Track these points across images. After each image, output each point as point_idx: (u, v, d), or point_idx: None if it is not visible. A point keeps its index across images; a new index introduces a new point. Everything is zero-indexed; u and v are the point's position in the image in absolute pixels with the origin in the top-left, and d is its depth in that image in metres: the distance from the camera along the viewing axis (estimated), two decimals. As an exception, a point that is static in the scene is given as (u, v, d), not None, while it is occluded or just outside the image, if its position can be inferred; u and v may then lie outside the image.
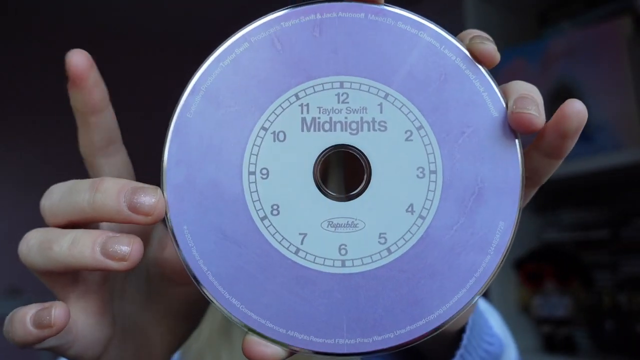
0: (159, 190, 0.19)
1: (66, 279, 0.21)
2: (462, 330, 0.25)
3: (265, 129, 0.19)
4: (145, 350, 0.26)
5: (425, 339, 0.19)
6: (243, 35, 0.19)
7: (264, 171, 0.19)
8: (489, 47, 0.19)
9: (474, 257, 0.19)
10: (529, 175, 0.20)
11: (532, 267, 0.87)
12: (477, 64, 0.19)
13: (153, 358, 0.26)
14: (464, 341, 0.25)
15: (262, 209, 0.19)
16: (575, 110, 0.19)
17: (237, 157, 0.19)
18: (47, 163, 2.16)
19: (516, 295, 0.89)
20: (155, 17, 2.46)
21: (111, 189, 0.19)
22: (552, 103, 0.95)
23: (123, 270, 0.19)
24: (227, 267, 0.19)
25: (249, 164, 0.19)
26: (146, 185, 0.19)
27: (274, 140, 0.19)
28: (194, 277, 0.19)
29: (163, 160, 0.19)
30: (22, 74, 2.26)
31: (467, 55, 0.19)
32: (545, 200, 0.95)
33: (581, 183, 0.87)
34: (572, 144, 0.20)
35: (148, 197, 0.18)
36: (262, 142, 0.19)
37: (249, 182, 0.19)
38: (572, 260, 0.86)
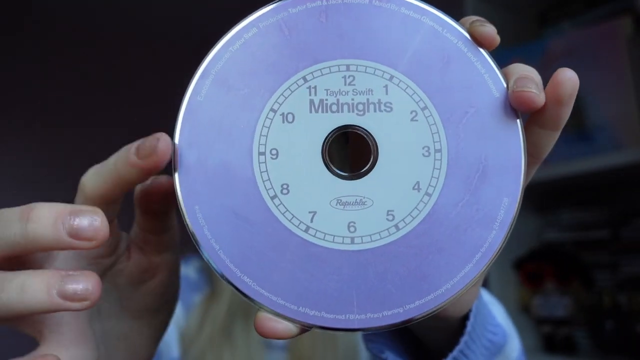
0: (98, 210, 0.18)
1: (28, 319, 0.20)
2: (465, 318, 0.25)
3: (275, 111, 0.20)
4: (131, 351, 0.25)
5: (434, 313, 0.19)
6: (252, 21, 0.20)
7: (274, 151, 0.19)
8: (489, 29, 0.20)
9: (480, 233, 0.19)
10: (530, 151, 0.21)
11: (532, 267, 0.87)
12: (478, 46, 0.20)
13: (140, 354, 0.26)
14: (468, 328, 0.25)
15: (272, 188, 0.19)
16: (567, 76, 0.20)
17: (248, 138, 0.19)
18: (47, 163, 2.16)
19: (516, 295, 0.89)
20: (158, 10, 2.46)
21: (46, 216, 0.17)
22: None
23: (85, 309, 0.18)
24: (239, 245, 0.19)
25: (259, 144, 0.19)
26: (84, 207, 0.18)
27: (283, 122, 0.20)
28: (206, 257, 0.19)
29: (174, 143, 0.19)
30: (21, 74, 2.26)
31: (468, 39, 0.20)
32: (545, 200, 0.95)
33: (581, 183, 0.87)
34: (567, 111, 0.20)
35: (89, 220, 0.17)
36: (271, 123, 0.20)
37: (259, 163, 0.19)
38: (572, 260, 0.86)
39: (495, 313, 0.29)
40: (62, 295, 0.17)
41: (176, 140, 0.19)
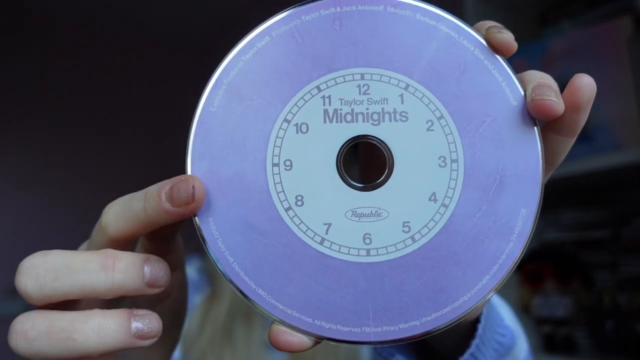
0: (163, 261, 0.20)
1: None
2: (475, 321, 0.25)
3: (288, 121, 0.19)
4: None
5: (451, 325, 0.19)
6: (264, 30, 0.20)
7: (288, 162, 0.19)
8: (507, 36, 0.20)
9: (497, 244, 0.19)
10: (546, 157, 0.20)
11: (532, 267, 0.87)
12: (495, 54, 0.20)
13: None
14: (479, 331, 0.25)
15: (287, 199, 0.19)
16: (585, 82, 0.20)
17: (261, 149, 0.19)
18: (47, 164, 2.16)
19: (516, 295, 0.89)
20: (158, 10, 2.45)
21: (130, 268, 0.19)
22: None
23: (150, 345, 0.19)
24: (253, 258, 0.19)
25: (273, 155, 0.19)
26: (154, 257, 0.19)
27: (297, 132, 0.19)
28: (220, 269, 0.19)
29: (187, 154, 0.19)
30: (21, 75, 2.26)
31: (485, 46, 0.20)
32: (545, 200, 0.95)
33: (581, 183, 0.87)
34: (584, 117, 0.20)
35: (163, 271, 0.19)
36: (285, 134, 0.19)
37: (273, 174, 0.19)
38: (572, 260, 0.86)
39: (503, 315, 0.29)
40: (137, 334, 0.18)
41: (189, 152, 0.19)
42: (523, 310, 0.89)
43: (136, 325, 0.18)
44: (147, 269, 0.19)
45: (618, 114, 0.76)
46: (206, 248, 0.19)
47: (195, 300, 0.56)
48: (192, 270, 0.59)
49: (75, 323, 0.18)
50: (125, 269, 0.19)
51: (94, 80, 2.36)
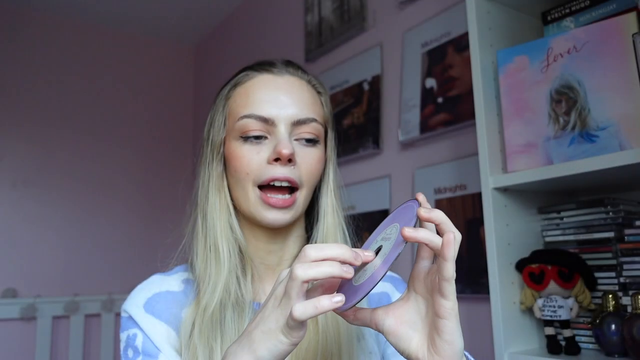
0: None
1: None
2: None
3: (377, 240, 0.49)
4: None
5: (361, 300, 0.44)
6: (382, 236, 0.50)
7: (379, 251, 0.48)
8: (424, 233, 0.44)
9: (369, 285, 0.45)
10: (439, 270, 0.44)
11: (535, 268, 0.86)
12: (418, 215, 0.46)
13: None
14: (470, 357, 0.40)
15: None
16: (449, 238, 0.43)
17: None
18: (46, 165, 2.16)
19: (519, 297, 0.89)
20: (158, 9, 2.45)
21: (337, 264, 0.43)
22: (555, 102, 0.92)
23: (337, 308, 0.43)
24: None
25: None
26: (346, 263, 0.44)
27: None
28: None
29: (361, 292, 0.46)
30: (20, 76, 2.26)
31: (418, 212, 0.46)
32: (549, 200, 0.94)
33: (585, 183, 0.87)
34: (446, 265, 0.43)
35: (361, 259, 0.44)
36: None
37: (371, 269, 0.48)
38: (575, 261, 0.85)
39: None
40: (335, 301, 0.42)
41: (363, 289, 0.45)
42: (526, 312, 0.89)
43: (333, 295, 0.42)
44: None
45: (622, 113, 0.75)
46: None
47: (182, 314, 0.59)
48: (177, 283, 0.62)
49: (310, 303, 0.42)
50: (333, 264, 0.43)
51: (93, 80, 2.35)
